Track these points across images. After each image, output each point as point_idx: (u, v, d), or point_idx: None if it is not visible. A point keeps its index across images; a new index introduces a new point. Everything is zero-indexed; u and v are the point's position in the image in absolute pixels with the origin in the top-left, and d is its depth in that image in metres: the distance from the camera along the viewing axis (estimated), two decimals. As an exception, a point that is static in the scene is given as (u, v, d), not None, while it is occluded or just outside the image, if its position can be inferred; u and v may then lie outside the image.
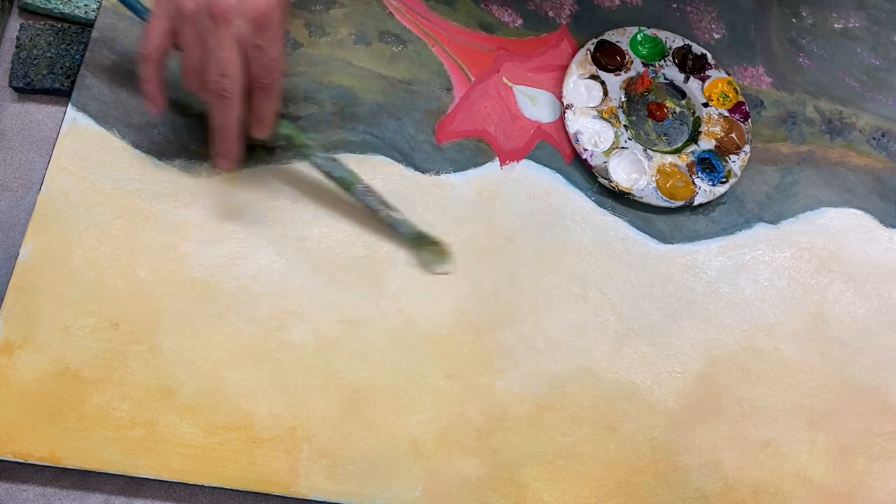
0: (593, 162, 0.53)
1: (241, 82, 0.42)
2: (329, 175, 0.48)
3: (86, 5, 0.53)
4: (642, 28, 0.58)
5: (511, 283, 0.50)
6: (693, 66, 0.58)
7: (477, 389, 0.47)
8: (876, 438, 0.50)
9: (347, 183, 0.48)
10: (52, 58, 0.51)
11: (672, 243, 0.53)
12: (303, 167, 0.51)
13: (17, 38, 0.51)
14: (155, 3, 0.43)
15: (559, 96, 0.55)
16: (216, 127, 0.45)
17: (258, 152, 0.50)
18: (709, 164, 0.55)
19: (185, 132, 0.51)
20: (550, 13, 0.58)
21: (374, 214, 0.48)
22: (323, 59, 0.54)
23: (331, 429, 0.45)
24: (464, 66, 0.55)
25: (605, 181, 0.53)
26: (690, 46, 0.58)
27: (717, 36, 0.60)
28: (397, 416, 0.46)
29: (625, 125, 0.55)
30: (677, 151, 0.55)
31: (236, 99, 0.43)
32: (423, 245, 0.49)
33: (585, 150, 0.54)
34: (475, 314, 0.49)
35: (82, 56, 0.52)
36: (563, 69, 0.56)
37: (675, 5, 0.60)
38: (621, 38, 0.58)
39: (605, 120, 0.55)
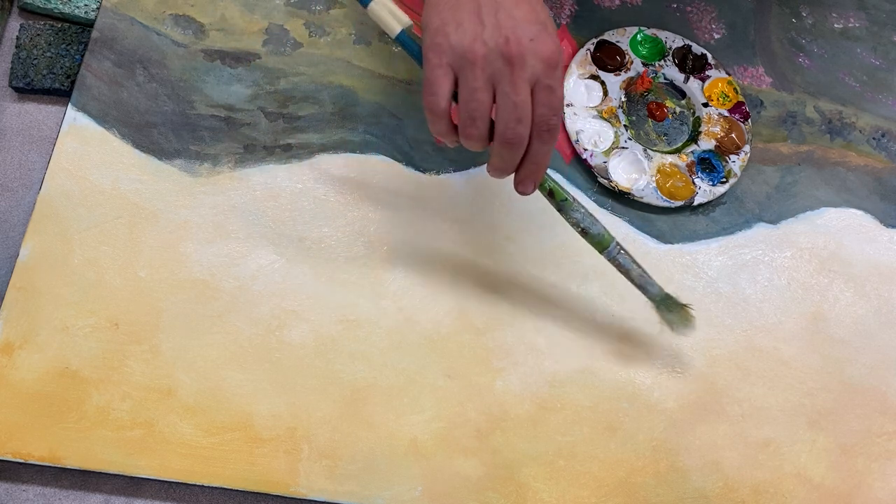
0: (593, 162, 0.53)
1: (530, 127, 0.39)
2: (585, 232, 0.45)
3: (86, 5, 0.53)
4: (642, 28, 0.58)
5: (511, 283, 0.50)
6: (693, 66, 0.58)
7: (477, 389, 0.47)
8: (876, 438, 0.50)
9: (604, 242, 0.45)
10: (52, 58, 0.51)
11: (672, 243, 0.53)
12: (303, 167, 0.51)
13: (17, 38, 0.52)
14: (430, 50, 0.38)
15: (559, 96, 0.55)
16: (493, 170, 0.41)
17: None
18: (709, 164, 0.55)
19: (185, 132, 0.51)
20: (550, 13, 0.58)
21: (626, 274, 0.46)
22: (323, 59, 0.54)
23: (331, 429, 0.45)
24: (464, 66, 0.55)
25: (605, 181, 0.53)
26: (690, 46, 0.58)
27: (717, 36, 0.60)
28: (397, 416, 0.46)
29: (625, 125, 0.55)
30: (677, 151, 0.55)
31: (525, 145, 0.40)
32: (670, 308, 0.47)
33: (585, 150, 0.54)
34: (475, 314, 0.49)
35: (82, 56, 0.52)
36: (563, 69, 0.56)
37: (675, 5, 0.60)
38: (621, 38, 0.57)
39: (605, 120, 0.55)
